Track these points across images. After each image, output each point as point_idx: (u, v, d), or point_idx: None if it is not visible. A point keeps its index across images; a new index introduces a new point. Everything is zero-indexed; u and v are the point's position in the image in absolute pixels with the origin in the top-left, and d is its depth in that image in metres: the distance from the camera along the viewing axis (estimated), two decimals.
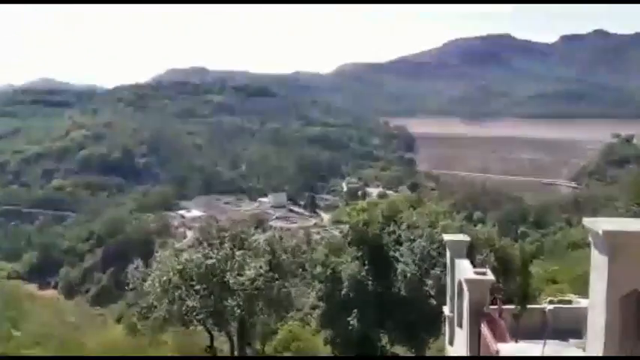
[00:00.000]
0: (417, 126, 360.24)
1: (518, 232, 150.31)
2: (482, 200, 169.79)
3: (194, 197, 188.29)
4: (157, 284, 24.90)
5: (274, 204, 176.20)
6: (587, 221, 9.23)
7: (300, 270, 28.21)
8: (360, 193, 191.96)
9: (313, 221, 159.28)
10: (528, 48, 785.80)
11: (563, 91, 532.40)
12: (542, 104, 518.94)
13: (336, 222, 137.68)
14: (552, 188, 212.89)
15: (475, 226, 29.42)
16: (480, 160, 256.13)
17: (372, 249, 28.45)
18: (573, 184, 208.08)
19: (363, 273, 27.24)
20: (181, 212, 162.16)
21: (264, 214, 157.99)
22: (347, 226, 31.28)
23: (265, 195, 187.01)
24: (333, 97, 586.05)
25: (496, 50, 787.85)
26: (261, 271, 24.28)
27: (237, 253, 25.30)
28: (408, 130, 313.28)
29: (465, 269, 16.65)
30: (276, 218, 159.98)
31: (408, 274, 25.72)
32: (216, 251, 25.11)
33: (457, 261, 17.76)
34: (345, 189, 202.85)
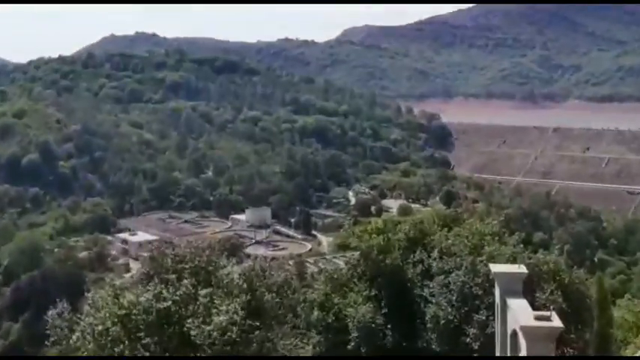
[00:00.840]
0: (453, 113, 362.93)
1: (596, 260, 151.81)
2: (544, 217, 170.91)
3: (141, 214, 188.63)
4: (89, 337, 24.70)
5: (254, 223, 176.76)
6: None
7: (290, 315, 28.13)
8: (373, 207, 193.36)
9: (308, 246, 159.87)
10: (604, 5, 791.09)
11: None
12: (625, 83, 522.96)
13: (341, 248, 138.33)
14: None
15: (535, 252, 29.61)
16: (541, 161, 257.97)
17: (392, 285, 28.50)
18: None
19: (379, 319, 27.26)
20: (123, 236, 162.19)
21: (240, 237, 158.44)
22: (356, 253, 31.33)
23: (241, 210, 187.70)
24: (334, 73, 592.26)
25: (560, 7, 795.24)
26: (236, 317, 24.16)
27: (202, 292, 25.19)
28: (440, 119, 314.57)
29: (521, 313, 16.66)
30: (257, 243, 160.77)
31: (442, 321, 25.76)
32: (172, 290, 25.01)
33: (510, 301, 17.78)
34: (352, 201, 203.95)
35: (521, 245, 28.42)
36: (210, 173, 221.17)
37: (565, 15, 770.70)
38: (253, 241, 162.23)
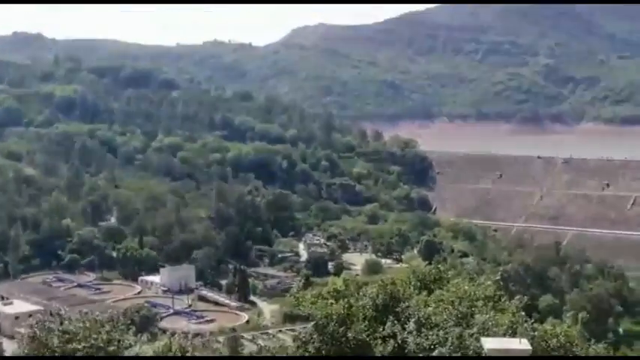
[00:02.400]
0: (434, 139, 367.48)
1: (620, 330, 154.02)
2: (553, 275, 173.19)
3: (18, 277, 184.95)
4: None
5: (171, 287, 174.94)
6: None
7: None
8: (331, 264, 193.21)
9: (244, 317, 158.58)
10: None
11: None
12: None
13: (288, 318, 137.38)
14: None
15: (542, 321, 29.91)
16: (548, 201, 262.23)
17: None
18: None
19: None
20: None
21: (153, 306, 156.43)
22: (308, 325, 31.22)
23: (155, 270, 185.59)
24: (279, 87, 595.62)
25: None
26: None
27: None
28: (418, 147, 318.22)
29: None
30: (176, 313, 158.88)
31: None
32: None
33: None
34: (303, 256, 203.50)
35: (524, 313, 28.71)
36: (113, 220, 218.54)
37: (577, 13, 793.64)
38: (171, 310, 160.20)
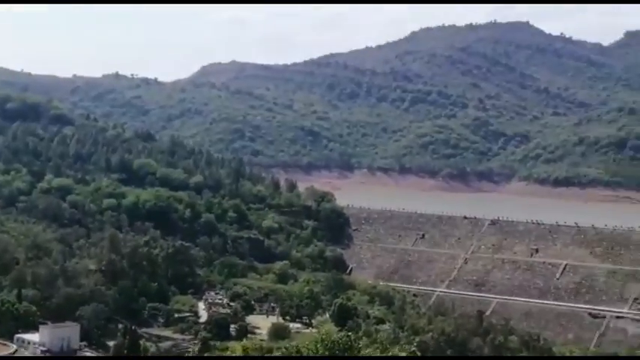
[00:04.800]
0: (353, 193, 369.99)
1: None
2: (475, 346, 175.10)
3: None
4: None
5: (51, 347, 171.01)
6: None
7: None
8: (234, 326, 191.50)
9: None
10: (568, 49, 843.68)
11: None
12: (588, 160, 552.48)
13: None
14: (610, 324, 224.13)
15: None
16: (472, 266, 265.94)
17: None
18: None
19: None
20: None
21: None
22: None
23: (34, 328, 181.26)
24: (184, 128, 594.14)
25: (505, 52, 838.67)
26: None
27: None
28: (335, 201, 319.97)
29: None
30: None
31: None
32: None
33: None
34: (203, 317, 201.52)
35: None
36: None
37: (510, 63, 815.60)
38: None
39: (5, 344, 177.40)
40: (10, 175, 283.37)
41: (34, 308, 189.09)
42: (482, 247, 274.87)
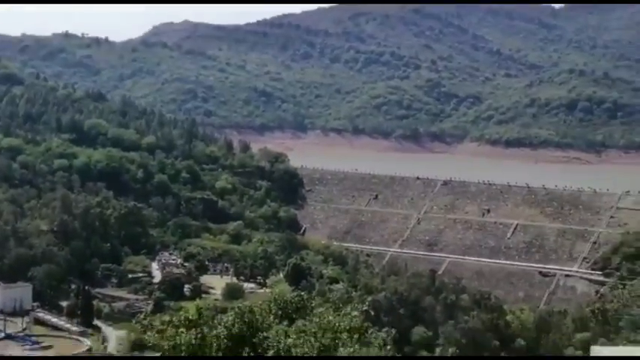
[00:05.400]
0: (306, 154, 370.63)
1: None
2: (427, 305, 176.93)
3: None
4: None
5: (4, 307, 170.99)
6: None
7: None
8: (188, 286, 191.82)
9: (86, 344, 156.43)
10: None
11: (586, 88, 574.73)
12: (539, 122, 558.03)
13: (137, 347, 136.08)
14: (559, 282, 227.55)
15: (413, 354, 30.27)
16: (425, 226, 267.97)
17: None
18: (597, 275, 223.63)
19: None
20: None
21: None
22: (154, 356, 30.88)
23: None
24: (136, 88, 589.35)
25: (457, 12, 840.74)
26: None
27: None
28: (288, 162, 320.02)
29: None
30: (7, 337, 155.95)
31: None
32: None
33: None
34: (157, 277, 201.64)
35: (389, 346, 29.12)
36: None
37: (463, 24, 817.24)
38: (2, 334, 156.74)
39: None
40: None
41: (31, 273, 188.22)
42: (435, 207, 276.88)
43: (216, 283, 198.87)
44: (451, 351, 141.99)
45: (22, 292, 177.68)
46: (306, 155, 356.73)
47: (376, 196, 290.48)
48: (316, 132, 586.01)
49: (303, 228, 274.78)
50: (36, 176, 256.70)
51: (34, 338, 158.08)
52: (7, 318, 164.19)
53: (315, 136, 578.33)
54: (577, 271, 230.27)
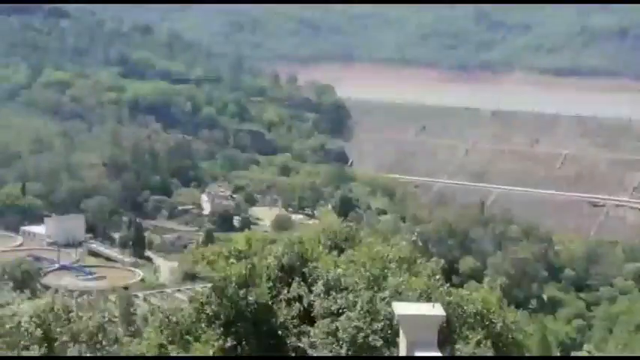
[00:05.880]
0: (353, 85, 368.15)
1: (544, 297, 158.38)
2: (476, 236, 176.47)
3: None
4: None
5: (57, 239, 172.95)
6: None
7: None
8: (237, 218, 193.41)
9: (138, 275, 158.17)
10: None
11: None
12: (589, 50, 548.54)
13: (188, 277, 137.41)
14: (609, 212, 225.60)
15: (462, 285, 30.49)
16: (474, 157, 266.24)
17: (256, 333, 28.65)
18: None
19: None
20: None
21: (36, 259, 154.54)
22: (206, 286, 31.24)
23: (39, 220, 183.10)
24: (183, 20, 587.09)
25: None
26: None
27: None
28: (336, 94, 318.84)
29: None
30: (62, 268, 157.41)
31: None
32: None
33: (420, 356, 18.34)
34: (206, 210, 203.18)
35: (440, 276, 29.24)
36: None
37: None
38: (56, 265, 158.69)
39: (11, 236, 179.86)
40: (8, 69, 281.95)
41: (39, 201, 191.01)
42: (484, 137, 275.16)
43: (265, 214, 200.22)
44: (500, 281, 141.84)
45: (75, 223, 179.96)
46: (353, 87, 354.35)
47: (424, 127, 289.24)
48: (364, 63, 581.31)
49: (351, 160, 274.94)
50: (86, 109, 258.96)
51: (87, 269, 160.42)
52: (61, 249, 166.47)
53: (363, 67, 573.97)
54: (627, 201, 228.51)
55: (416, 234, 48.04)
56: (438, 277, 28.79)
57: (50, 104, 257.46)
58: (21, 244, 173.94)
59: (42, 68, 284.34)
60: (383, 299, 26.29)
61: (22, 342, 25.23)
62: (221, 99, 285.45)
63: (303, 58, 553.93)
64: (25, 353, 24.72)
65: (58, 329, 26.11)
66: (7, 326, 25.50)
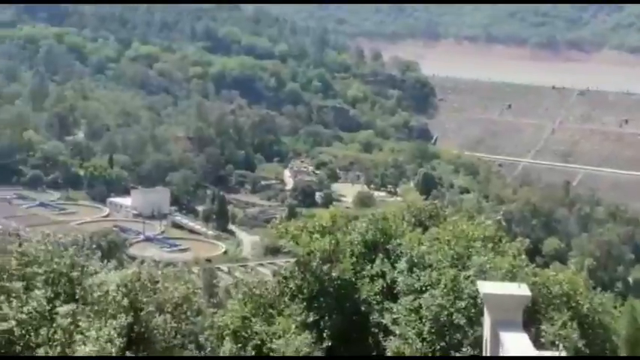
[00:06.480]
0: (438, 62, 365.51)
1: (630, 280, 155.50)
2: (561, 217, 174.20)
3: None
4: None
5: (143, 211, 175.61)
6: None
7: (191, 347, 28.03)
8: (319, 194, 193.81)
9: (222, 248, 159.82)
10: None
11: None
12: None
13: (270, 252, 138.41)
14: None
15: (545, 266, 30.13)
16: (560, 136, 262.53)
17: (339, 308, 28.71)
18: None
19: (320, 355, 27.50)
20: None
21: (122, 230, 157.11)
22: (290, 260, 31.43)
23: (125, 192, 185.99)
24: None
25: None
26: (110, 347, 24.19)
27: (62, 309, 25.09)
28: (420, 71, 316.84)
29: (519, 352, 17.06)
30: (146, 240, 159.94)
31: None
32: (16, 305, 24.82)
33: (505, 335, 18.19)
34: (289, 185, 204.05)
35: (525, 256, 28.95)
36: (80, 135, 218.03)
37: None
38: (141, 237, 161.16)
39: (98, 207, 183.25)
40: (97, 43, 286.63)
41: (125, 173, 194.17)
42: (571, 117, 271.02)
43: (347, 190, 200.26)
44: (586, 263, 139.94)
45: (160, 196, 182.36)
46: (438, 64, 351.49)
47: (510, 105, 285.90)
48: (449, 40, 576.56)
49: (435, 137, 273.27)
50: (172, 83, 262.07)
51: (171, 241, 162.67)
52: (146, 221, 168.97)
53: (448, 44, 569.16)
54: None
55: (501, 213, 47.77)
56: (523, 257, 28.53)
57: (138, 78, 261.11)
58: (107, 215, 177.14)
59: (130, 42, 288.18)
60: (467, 278, 26.16)
61: (109, 310, 25.66)
62: (305, 75, 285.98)
63: (387, 34, 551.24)
64: (112, 322, 25.11)
65: (144, 299, 26.47)
66: (95, 294, 25.94)
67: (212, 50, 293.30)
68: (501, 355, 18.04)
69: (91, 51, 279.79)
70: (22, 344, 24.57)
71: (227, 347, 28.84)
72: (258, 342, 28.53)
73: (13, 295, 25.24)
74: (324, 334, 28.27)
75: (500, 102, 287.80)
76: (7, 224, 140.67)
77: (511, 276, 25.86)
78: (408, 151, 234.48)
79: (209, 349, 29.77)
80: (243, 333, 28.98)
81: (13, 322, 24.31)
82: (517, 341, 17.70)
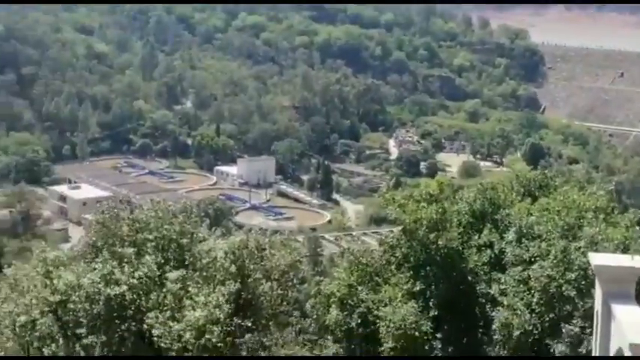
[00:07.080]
0: (548, 29, 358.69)
1: None
2: None
3: (87, 159, 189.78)
4: (8, 331, 25.27)
5: (249, 180, 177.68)
6: None
7: (297, 314, 28.27)
8: (424, 164, 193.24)
9: (327, 217, 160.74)
10: None
11: None
12: None
13: (375, 221, 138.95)
14: None
15: None
16: None
17: (446, 278, 28.60)
18: None
19: (426, 325, 27.45)
20: (61, 189, 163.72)
21: (229, 199, 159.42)
22: (395, 229, 31.35)
23: (232, 161, 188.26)
24: None
25: None
26: (218, 313, 24.55)
27: (172, 275, 25.57)
28: (529, 39, 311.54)
29: (632, 325, 16.68)
30: (252, 208, 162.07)
31: (517, 331, 25.89)
32: (128, 270, 25.37)
33: (617, 308, 17.81)
34: (394, 154, 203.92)
35: (638, 228, 28.30)
36: (188, 104, 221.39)
37: None
38: (247, 205, 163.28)
39: (205, 175, 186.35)
40: (205, 14, 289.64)
41: (232, 142, 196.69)
42: None
43: (452, 160, 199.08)
44: None
45: (265, 165, 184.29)
46: (547, 31, 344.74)
47: (622, 74, 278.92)
48: (558, 7, 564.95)
49: (543, 106, 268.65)
50: (278, 53, 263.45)
51: (277, 209, 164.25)
52: (252, 190, 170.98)
53: (557, 11, 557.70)
54: None
55: (613, 184, 46.92)
56: (636, 228, 27.89)
57: (244, 47, 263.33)
58: (214, 183, 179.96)
59: (237, 12, 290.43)
60: (578, 249, 25.72)
61: (217, 277, 26.05)
62: (411, 43, 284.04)
63: (495, 3, 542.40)
64: (220, 288, 25.49)
65: (252, 266, 26.81)
66: (204, 261, 26.37)
67: (318, 19, 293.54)
68: (613, 327, 17.72)
69: (198, 21, 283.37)
70: (133, 308, 25.20)
71: (333, 315, 29.01)
72: (365, 310, 28.63)
73: (125, 260, 25.88)
74: (431, 303, 28.22)
75: (611, 70, 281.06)
76: (118, 192, 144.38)
77: (623, 248, 25.32)
78: (516, 121, 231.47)
79: (314, 316, 30.00)
80: (350, 301, 29.08)
81: (125, 287, 24.93)
82: (629, 313, 17.33)
